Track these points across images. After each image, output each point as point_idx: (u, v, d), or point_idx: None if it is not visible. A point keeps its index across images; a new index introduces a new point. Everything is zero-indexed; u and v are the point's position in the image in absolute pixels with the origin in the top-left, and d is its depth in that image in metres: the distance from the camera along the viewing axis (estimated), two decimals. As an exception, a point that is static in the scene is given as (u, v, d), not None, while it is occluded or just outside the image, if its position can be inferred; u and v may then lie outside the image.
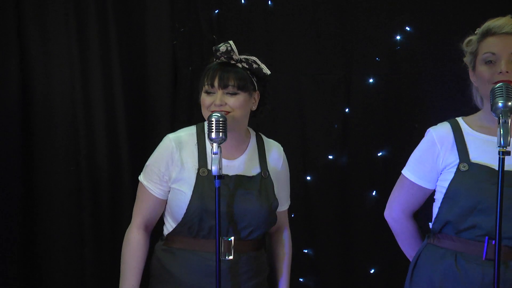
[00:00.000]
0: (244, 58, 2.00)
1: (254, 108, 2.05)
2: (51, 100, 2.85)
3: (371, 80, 3.08)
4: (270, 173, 2.08)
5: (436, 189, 1.97)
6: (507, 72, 1.76)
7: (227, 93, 1.94)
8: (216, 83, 1.94)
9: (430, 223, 1.98)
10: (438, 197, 1.94)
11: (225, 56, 1.97)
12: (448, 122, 1.95)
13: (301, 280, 3.12)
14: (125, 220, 2.78)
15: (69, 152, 2.87)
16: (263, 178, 2.05)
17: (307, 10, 3.06)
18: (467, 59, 1.93)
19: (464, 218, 1.83)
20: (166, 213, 2.08)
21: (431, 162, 1.93)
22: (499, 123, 1.60)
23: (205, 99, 1.96)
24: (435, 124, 1.99)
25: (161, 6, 2.96)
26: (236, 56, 1.98)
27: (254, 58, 2.01)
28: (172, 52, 2.99)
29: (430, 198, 2.02)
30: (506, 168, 1.64)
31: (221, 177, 1.80)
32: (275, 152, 2.14)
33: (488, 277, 1.78)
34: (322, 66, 3.09)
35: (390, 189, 2.11)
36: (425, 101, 3.03)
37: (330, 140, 3.11)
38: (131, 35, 2.95)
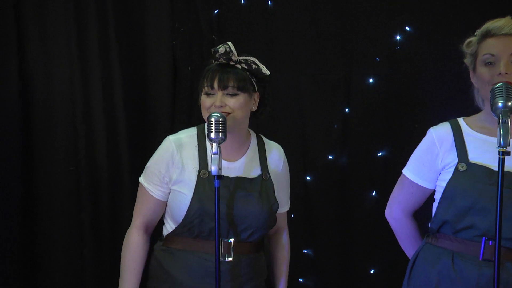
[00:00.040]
0: (243, 59, 1.99)
1: (254, 109, 2.05)
2: (51, 100, 2.85)
3: (371, 80, 3.08)
4: (270, 175, 2.08)
5: (436, 189, 1.97)
6: (506, 73, 1.76)
7: (227, 94, 1.94)
8: (215, 85, 1.93)
9: (429, 223, 1.98)
10: (437, 197, 1.94)
11: (224, 58, 1.97)
12: (449, 122, 1.95)
13: (301, 280, 3.12)
14: (125, 220, 2.79)
15: (69, 152, 2.86)
16: (264, 180, 2.05)
17: (307, 10, 3.06)
18: (467, 61, 1.93)
19: (461, 218, 1.83)
20: (166, 214, 2.08)
21: (431, 162, 1.94)
22: (499, 123, 1.60)
23: (205, 101, 1.96)
24: (435, 124, 2.00)
25: (161, 6, 2.96)
26: (235, 57, 1.98)
27: (253, 58, 2.01)
28: (171, 52, 2.99)
29: (430, 198, 2.02)
30: (505, 169, 1.63)
31: (220, 177, 1.80)
32: (276, 153, 2.14)
33: (483, 278, 1.78)
34: (322, 66, 3.09)
35: (390, 189, 2.11)
36: (425, 101, 3.03)
37: (330, 140, 3.11)
38: (131, 35, 2.95)
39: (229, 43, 1.98)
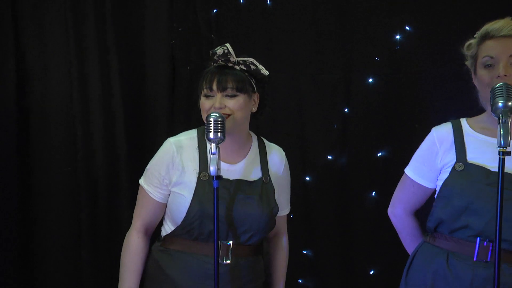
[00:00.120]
0: (242, 60, 1.99)
1: (254, 110, 2.04)
2: (49, 100, 2.85)
3: (370, 80, 3.07)
4: (271, 178, 2.07)
5: (436, 189, 1.97)
6: (505, 75, 1.76)
7: (226, 96, 1.93)
8: (214, 86, 1.93)
9: (427, 222, 1.99)
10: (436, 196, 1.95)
11: (223, 59, 1.97)
12: (451, 122, 1.96)
13: (300, 281, 3.11)
14: (123, 221, 2.79)
15: (67, 152, 2.86)
16: (264, 183, 2.04)
17: (306, 9, 3.05)
18: (468, 63, 1.93)
19: (457, 217, 1.83)
20: (165, 216, 2.07)
21: (431, 161, 1.94)
22: (499, 123, 1.59)
23: (205, 103, 1.96)
24: (435, 124, 2.00)
25: (160, 5, 2.95)
26: (234, 58, 1.97)
27: (251, 59, 2.00)
28: (170, 52, 2.99)
29: (432, 197, 2.02)
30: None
31: (219, 177, 1.79)
32: (277, 156, 2.13)
33: (477, 279, 1.79)
34: (322, 66, 3.09)
35: (390, 190, 2.11)
36: (425, 101, 3.02)
37: (330, 140, 3.10)
38: (129, 35, 2.95)
39: (227, 44, 1.98)
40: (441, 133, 1.93)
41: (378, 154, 3.09)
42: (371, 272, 3.11)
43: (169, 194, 2.02)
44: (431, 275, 1.88)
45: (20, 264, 2.84)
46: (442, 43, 2.95)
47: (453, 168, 1.86)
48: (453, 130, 1.92)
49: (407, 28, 3.03)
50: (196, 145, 2.01)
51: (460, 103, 2.80)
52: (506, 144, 1.58)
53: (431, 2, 3.03)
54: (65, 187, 2.87)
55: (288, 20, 3.05)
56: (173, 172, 1.98)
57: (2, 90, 2.76)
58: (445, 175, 1.89)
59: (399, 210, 2.07)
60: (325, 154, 3.10)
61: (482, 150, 1.86)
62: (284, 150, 2.18)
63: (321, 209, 3.11)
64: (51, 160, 2.85)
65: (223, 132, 1.80)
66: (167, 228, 2.04)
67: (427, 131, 2.01)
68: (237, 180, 1.99)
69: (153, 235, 2.11)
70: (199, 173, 1.96)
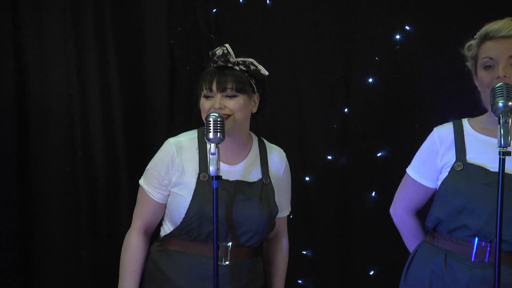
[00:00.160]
0: (241, 61, 1.99)
1: (254, 110, 2.04)
2: (48, 101, 2.84)
3: (370, 80, 3.07)
4: (271, 179, 2.07)
5: (437, 188, 1.98)
6: (504, 76, 1.76)
7: (226, 96, 1.93)
8: (214, 87, 1.93)
9: (425, 221, 2.00)
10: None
11: (222, 60, 1.97)
12: (452, 122, 1.96)
13: (300, 281, 3.11)
14: (123, 221, 2.79)
15: (66, 152, 2.85)
16: (264, 184, 2.04)
17: (306, 9, 3.05)
18: (469, 64, 1.94)
19: (454, 217, 1.84)
20: (164, 216, 2.07)
21: (431, 161, 1.95)
22: (499, 123, 1.59)
23: (204, 104, 1.95)
24: (435, 124, 2.00)
25: (159, 5, 2.95)
26: (233, 58, 1.97)
27: (251, 60, 2.00)
28: (169, 52, 2.98)
29: (433, 197, 2.02)
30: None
31: (218, 177, 1.79)
32: (277, 157, 2.12)
33: (474, 279, 1.79)
34: (322, 66, 3.09)
35: (390, 190, 2.11)
36: (425, 101, 3.02)
37: (329, 140, 3.10)
38: (128, 34, 2.94)
39: (227, 45, 1.97)
40: (442, 133, 1.94)
41: (378, 154, 3.08)
42: (371, 273, 3.11)
43: (169, 195, 2.01)
44: (429, 275, 1.88)
45: (19, 264, 2.83)
46: (442, 43, 2.94)
47: (452, 168, 1.87)
48: (454, 130, 1.92)
49: (407, 27, 3.03)
50: (196, 146, 2.00)
51: (460, 103, 2.81)
52: (507, 144, 1.58)
53: (431, 2, 3.02)
54: (64, 187, 2.86)
55: (287, 20, 3.05)
56: (172, 173, 1.98)
57: (1, 90, 2.75)
58: (444, 174, 1.90)
59: (400, 210, 2.07)
60: (325, 154, 3.10)
61: (482, 150, 1.86)
62: (284, 150, 2.18)
63: (321, 209, 3.11)
64: (50, 160, 2.84)
65: (222, 132, 1.80)
66: (166, 228, 2.04)
67: (427, 131, 2.01)
68: (237, 181, 1.99)
69: (153, 235, 2.11)
70: (199, 174, 1.96)
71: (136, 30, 2.96)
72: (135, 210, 2.07)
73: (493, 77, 1.78)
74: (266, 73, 2.02)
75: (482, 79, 1.83)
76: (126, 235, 2.05)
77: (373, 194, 3.09)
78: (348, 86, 3.09)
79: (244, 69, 1.98)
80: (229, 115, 1.91)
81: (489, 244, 1.78)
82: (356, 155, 3.09)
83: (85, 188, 2.86)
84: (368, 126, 3.08)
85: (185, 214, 1.94)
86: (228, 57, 1.96)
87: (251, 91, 1.99)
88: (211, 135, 1.78)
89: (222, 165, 1.92)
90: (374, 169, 3.08)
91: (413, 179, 2.00)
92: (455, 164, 1.87)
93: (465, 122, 1.94)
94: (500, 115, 1.59)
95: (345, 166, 3.10)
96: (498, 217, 1.59)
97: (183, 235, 1.97)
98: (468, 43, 1.91)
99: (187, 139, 2.02)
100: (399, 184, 2.10)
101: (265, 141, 2.14)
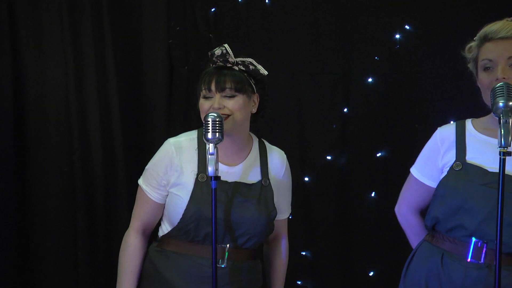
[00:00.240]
0: (240, 61, 1.98)
1: (254, 110, 2.03)
2: (46, 101, 2.84)
3: (370, 80, 3.06)
4: (270, 181, 2.05)
5: None
6: (503, 78, 1.75)
7: (225, 96, 1.92)
8: (213, 87, 1.92)
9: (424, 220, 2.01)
10: None
11: (221, 60, 1.96)
12: (456, 122, 1.97)
13: (299, 282, 3.10)
14: (120, 221, 2.79)
15: (63, 153, 2.86)
16: (263, 186, 2.03)
17: (305, 8, 3.05)
18: (470, 65, 1.93)
19: (451, 216, 1.84)
20: (163, 216, 2.06)
21: (433, 161, 1.95)
22: (499, 123, 1.58)
23: (204, 104, 1.95)
24: (435, 124, 2.01)
25: (158, 5, 2.95)
26: (232, 59, 1.96)
27: (250, 60, 1.99)
28: (168, 51, 2.98)
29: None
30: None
31: (217, 178, 1.77)
32: (278, 159, 2.11)
33: (469, 279, 1.79)
34: (321, 66, 3.08)
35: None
36: (425, 100, 3.02)
37: (329, 140, 3.09)
38: (127, 34, 2.94)
39: (226, 45, 1.97)
40: (444, 133, 1.94)
41: (378, 154, 3.08)
42: (371, 273, 3.10)
43: (167, 195, 2.01)
44: (426, 274, 1.89)
45: (18, 264, 2.83)
46: (442, 43, 2.94)
47: (451, 168, 1.87)
48: (455, 130, 1.92)
49: (407, 27, 3.02)
50: (196, 146, 2.00)
51: (460, 103, 2.80)
52: (507, 144, 1.57)
53: (431, 2, 3.02)
54: (62, 187, 2.86)
55: (287, 19, 3.04)
56: (171, 173, 1.97)
57: (-1, 91, 2.76)
58: (444, 174, 1.90)
59: (404, 209, 2.09)
60: (324, 154, 3.09)
61: (482, 150, 1.85)
62: (283, 150, 2.17)
63: (320, 210, 3.10)
64: (48, 161, 2.84)
65: (221, 132, 1.79)
66: (164, 228, 2.03)
67: (427, 131, 2.01)
68: (236, 182, 1.98)
69: (152, 235, 2.10)
70: (197, 175, 1.95)
71: (135, 30, 2.95)
72: (133, 210, 2.06)
73: (493, 79, 1.78)
74: (266, 72, 2.01)
75: (482, 81, 1.83)
76: (125, 235, 2.05)
77: (372, 195, 3.08)
78: (348, 86, 3.09)
79: (243, 69, 1.97)
80: (228, 115, 1.90)
81: (485, 245, 1.78)
82: (355, 155, 3.09)
83: (83, 188, 2.86)
84: (368, 126, 3.07)
85: (183, 215, 1.93)
86: (227, 57, 1.95)
87: (251, 91, 1.98)
88: (209, 135, 1.77)
89: (221, 166, 1.91)
90: (373, 169, 3.08)
91: (416, 179, 2.01)
92: (454, 164, 1.87)
93: (468, 122, 1.94)
94: (501, 115, 1.58)
95: (344, 166, 3.10)
96: (499, 218, 1.58)
97: (181, 236, 1.96)
98: (468, 45, 1.91)
99: (187, 140, 2.01)
100: (399, 184, 2.11)
101: (266, 142, 2.13)
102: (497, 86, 1.65)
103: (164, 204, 2.02)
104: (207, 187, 1.91)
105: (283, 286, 2.20)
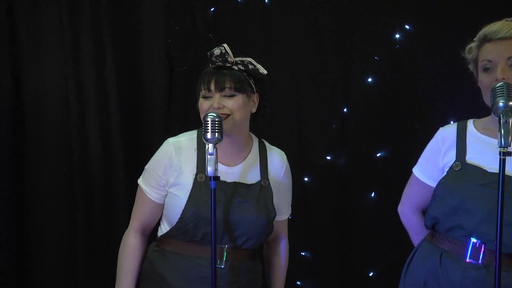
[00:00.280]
0: (240, 60, 1.98)
1: (253, 110, 2.03)
2: (44, 101, 2.84)
3: (370, 80, 3.06)
4: (270, 181, 2.05)
5: None
6: (503, 79, 1.75)
7: (225, 96, 1.92)
8: (212, 87, 1.92)
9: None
10: None
11: (220, 60, 1.96)
12: (457, 122, 1.97)
13: (299, 283, 3.10)
14: (119, 221, 2.78)
15: (62, 153, 2.86)
16: (263, 187, 2.02)
17: (305, 8, 3.04)
18: (471, 66, 1.93)
19: (449, 216, 1.84)
20: (162, 216, 2.06)
21: (434, 161, 1.96)
22: (500, 123, 1.58)
23: (203, 104, 1.94)
24: (434, 124, 2.02)
25: (157, 4, 2.94)
26: (231, 58, 1.96)
27: (249, 59, 1.99)
28: (167, 51, 2.97)
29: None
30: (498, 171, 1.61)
31: (216, 178, 1.77)
32: (278, 160, 2.11)
33: (467, 279, 1.79)
34: (321, 65, 3.07)
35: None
36: (425, 101, 3.01)
37: (328, 140, 3.08)
38: (125, 34, 2.94)
39: (225, 45, 1.97)
40: (445, 133, 1.95)
41: (378, 155, 3.07)
42: (371, 274, 3.10)
43: (166, 195, 2.00)
44: (425, 274, 1.89)
45: (17, 264, 2.83)
46: (442, 43, 2.93)
47: (451, 168, 1.88)
48: (457, 130, 1.93)
49: (407, 27, 3.01)
50: (195, 146, 1.99)
51: (460, 103, 2.80)
52: (507, 144, 1.57)
53: (431, 2, 3.01)
54: (61, 187, 2.86)
55: (286, 19, 3.03)
56: (170, 173, 1.97)
57: (-4, 90, 2.75)
58: (444, 174, 1.91)
59: (406, 209, 2.10)
60: (324, 155, 3.09)
61: (482, 150, 1.85)
62: (283, 150, 2.16)
63: (320, 210, 3.10)
64: (47, 161, 2.84)
65: (220, 132, 1.79)
66: (163, 228, 2.03)
67: (427, 131, 2.01)
68: (234, 182, 1.98)
69: (151, 235, 2.10)
70: (196, 175, 1.95)
71: (134, 30, 2.95)
72: (133, 209, 2.06)
73: (493, 80, 1.78)
74: (265, 72, 2.01)
75: (482, 82, 1.83)
76: (124, 235, 2.05)
77: (372, 195, 3.08)
78: (347, 85, 3.08)
79: (243, 68, 1.97)
80: (228, 115, 1.90)
81: (483, 245, 1.78)
82: (355, 155, 3.08)
83: (83, 188, 2.86)
84: (368, 126, 3.07)
85: (181, 215, 1.93)
86: (226, 56, 1.95)
87: (250, 90, 1.98)
88: (208, 135, 1.77)
89: (220, 167, 1.90)
90: (373, 169, 3.07)
91: (417, 178, 2.02)
92: (454, 164, 1.87)
93: (470, 122, 1.95)
94: (501, 115, 1.58)
95: (344, 166, 3.09)
96: (499, 218, 1.58)
97: (179, 236, 1.96)
98: (469, 46, 1.91)
99: (187, 140, 2.01)
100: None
101: (266, 143, 2.13)
102: (497, 86, 1.64)
103: (164, 204, 2.02)
104: (206, 187, 1.90)
105: (284, 287, 2.20)
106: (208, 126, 1.77)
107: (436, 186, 1.91)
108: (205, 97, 1.94)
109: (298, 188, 2.99)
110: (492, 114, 1.85)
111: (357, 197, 3.08)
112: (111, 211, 2.90)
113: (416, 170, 2.03)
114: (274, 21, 3.04)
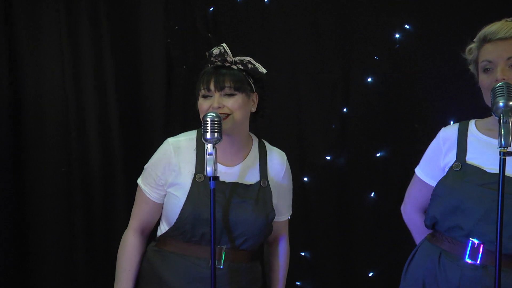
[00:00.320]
0: (239, 60, 1.97)
1: (253, 110, 2.02)
2: (43, 101, 2.84)
3: (370, 80, 3.06)
4: (270, 182, 2.04)
5: None
6: (503, 79, 1.75)
7: (224, 95, 1.91)
8: (212, 86, 1.91)
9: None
10: None
11: (219, 59, 1.95)
12: (459, 123, 1.97)
13: (298, 283, 3.09)
14: (118, 221, 2.78)
15: (61, 153, 2.85)
16: (262, 187, 2.02)
17: (305, 8, 3.04)
18: (471, 67, 1.93)
19: (449, 217, 1.84)
20: (161, 216, 2.06)
21: (435, 161, 1.96)
22: (500, 123, 1.58)
23: (203, 104, 1.94)
24: (434, 124, 2.05)
25: (156, 4, 2.94)
26: (230, 58, 1.96)
27: (248, 58, 1.99)
28: (166, 51, 2.97)
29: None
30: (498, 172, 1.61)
31: (216, 178, 1.76)
32: (278, 160, 2.10)
33: (465, 279, 1.79)
34: (321, 65, 3.07)
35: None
36: (425, 101, 3.01)
37: (328, 140, 3.08)
38: (125, 33, 2.94)
39: (224, 44, 1.96)
40: (447, 133, 1.95)
41: (377, 155, 3.07)
42: (370, 274, 3.10)
43: (165, 195, 2.00)
44: (424, 273, 1.90)
45: (17, 264, 2.83)
46: (442, 43, 2.93)
47: (451, 168, 1.88)
48: (458, 130, 1.93)
49: (407, 27, 3.01)
50: (195, 146, 1.99)
51: (460, 103, 2.80)
52: (507, 144, 1.56)
53: (431, 2, 3.01)
54: (61, 187, 2.86)
55: (286, 19, 3.03)
56: (169, 173, 1.97)
57: (-4, 90, 2.75)
58: (444, 174, 1.91)
59: (409, 208, 2.11)
60: (324, 155, 3.09)
61: (482, 151, 1.85)
62: (283, 150, 2.16)
63: (319, 210, 3.10)
64: (47, 161, 2.84)
65: (220, 132, 1.78)
66: (163, 228, 2.03)
67: (427, 131, 2.01)
68: (233, 183, 1.97)
69: (151, 235, 2.10)
70: (195, 175, 1.94)
71: (133, 29, 2.95)
72: (133, 209, 2.06)
73: (493, 80, 1.77)
74: (264, 71, 2.00)
75: (483, 83, 1.82)
76: (123, 235, 2.05)
77: (372, 195, 3.07)
78: (347, 85, 3.08)
79: (242, 68, 1.97)
80: (228, 114, 1.90)
81: (481, 245, 1.78)
82: (355, 155, 3.08)
83: (82, 188, 2.86)
84: (368, 126, 3.07)
85: (179, 215, 1.92)
86: (226, 56, 1.95)
87: (250, 90, 1.98)
88: (208, 135, 1.76)
89: (219, 167, 1.90)
90: (373, 169, 3.07)
91: (419, 178, 2.02)
92: (453, 164, 1.87)
93: (471, 123, 1.95)
94: (501, 115, 1.58)
95: (344, 166, 3.09)
96: (499, 218, 1.58)
97: (178, 236, 1.96)
98: (469, 47, 1.91)
99: (186, 139, 2.01)
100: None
101: (266, 143, 2.12)
102: (497, 86, 1.64)
103: (163, 204, 2.02)
104: (204, 187, 1.90)
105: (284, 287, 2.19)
106: (208, 126, 1.76)
107: (435, 186, 1.91)
108: (204, 97, 1.94)
109: (298, 188, 2.99)
110: (493, 114, 1.86)
111: (357, 197, 3.08)
112: (110, 211, 2.90)
113: (418, 170, 2.03)
114: (274, 21, 3.04)
